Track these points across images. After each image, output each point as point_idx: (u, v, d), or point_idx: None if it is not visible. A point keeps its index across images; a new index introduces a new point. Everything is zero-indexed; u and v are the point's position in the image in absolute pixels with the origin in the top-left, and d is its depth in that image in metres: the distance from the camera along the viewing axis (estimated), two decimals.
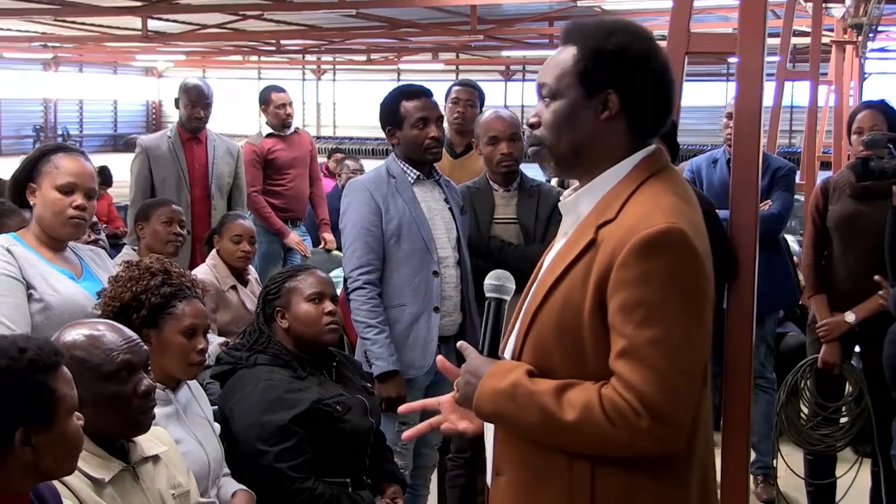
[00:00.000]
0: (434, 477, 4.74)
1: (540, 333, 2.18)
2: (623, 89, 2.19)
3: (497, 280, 2.35)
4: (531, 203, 4.48)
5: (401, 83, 4.77)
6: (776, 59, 9.37)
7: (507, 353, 2.30)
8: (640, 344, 2.03)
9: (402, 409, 2.62)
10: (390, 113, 4.23)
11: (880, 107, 4.90)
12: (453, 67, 33.68)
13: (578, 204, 2.24)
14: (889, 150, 4.23)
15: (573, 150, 2.23)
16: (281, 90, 7.62)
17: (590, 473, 2.13)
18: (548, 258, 2.33)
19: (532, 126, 2.28)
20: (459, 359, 4.36)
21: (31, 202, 3.37)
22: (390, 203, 4.14)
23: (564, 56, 2.23)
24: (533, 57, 28.50)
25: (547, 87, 2.24)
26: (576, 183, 2.36)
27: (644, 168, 2.21)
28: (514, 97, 36.19)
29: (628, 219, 2.10)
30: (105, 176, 11.73)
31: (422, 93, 4.24)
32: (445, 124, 5.47)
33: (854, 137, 4.83)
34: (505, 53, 28.73)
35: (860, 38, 11.53)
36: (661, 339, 2.02)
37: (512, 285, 2.35)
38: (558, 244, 2.30)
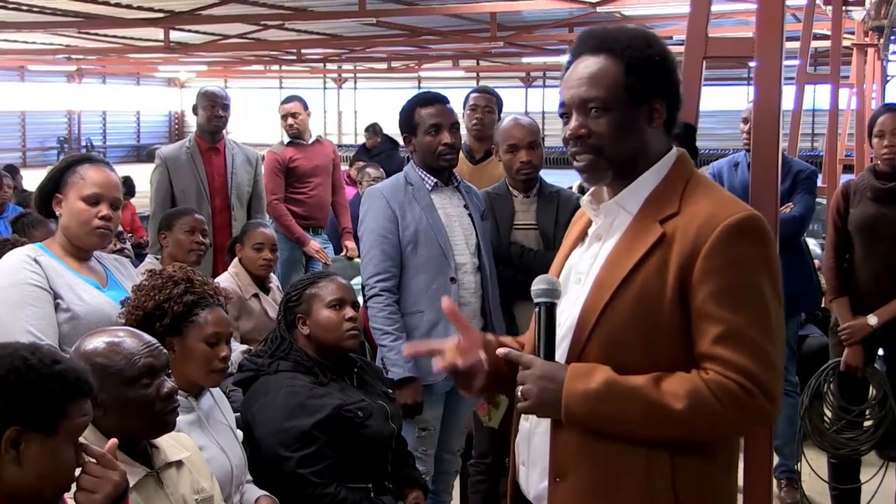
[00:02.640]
0: (456, 483, 4.74)
1: (612, 330, 2.20)
2: (668, 96, 2.27)
3: (547, 284, 2.30)
4: (551, 208, 4.49)
5: (421, 91, 4.79)
6: (797, 62, 9.35)
7: (559, 357, 2.28)
8: (740, 326, 2.10)
9: (406, 351, 2.74)
10: (406, 120, 4.26)
11: None
12: (474, 74, 33.69)
13: (624, 204, 2.29)
14: None
15: (630, 157, 2.28)
16: (289, 100, 7.65)
17: (670, 465, 2.18)
18: (578, 257, 2.36)
19: (581, 137, 2.27)
20: None
21: (58, 213, 3.41)
22: (407, 210, 4.15)
23: (608, 68, 2.25)
24: (553, 63, 28.47)
25: (598, 101, 2.25)
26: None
27: (682, 167, 2.30)
28: (535, 103, 36.17)
29: (702, 210, 2.18)
30: (128, 186, 11.80)
31: (436, 100, 4.26)
32: (464, 131, 5.49)
33: (875, 140, 4.81)
34: (525, 60, 28.73)
35: (881, 41, 11.49)
36: (759, 319, 2.12)
37: (560, 289, 2.31)
38: (600, 244, 2.31)
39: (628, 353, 2.18)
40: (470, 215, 4.29)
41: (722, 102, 28.47)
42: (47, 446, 2.06)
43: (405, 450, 3.79)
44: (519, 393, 2.23)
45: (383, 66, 32.03)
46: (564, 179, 5.86)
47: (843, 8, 10.22)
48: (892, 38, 11.56)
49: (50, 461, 2.07)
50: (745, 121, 5.37)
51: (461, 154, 5.34)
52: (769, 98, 4.63)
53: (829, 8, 10.11)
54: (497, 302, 4.32)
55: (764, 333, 2.11)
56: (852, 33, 12.36)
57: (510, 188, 4.54)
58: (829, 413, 4.96)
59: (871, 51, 12.00)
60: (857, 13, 10.67)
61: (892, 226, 4.63)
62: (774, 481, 5.43)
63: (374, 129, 14.91)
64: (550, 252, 4.39)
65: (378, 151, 14.37)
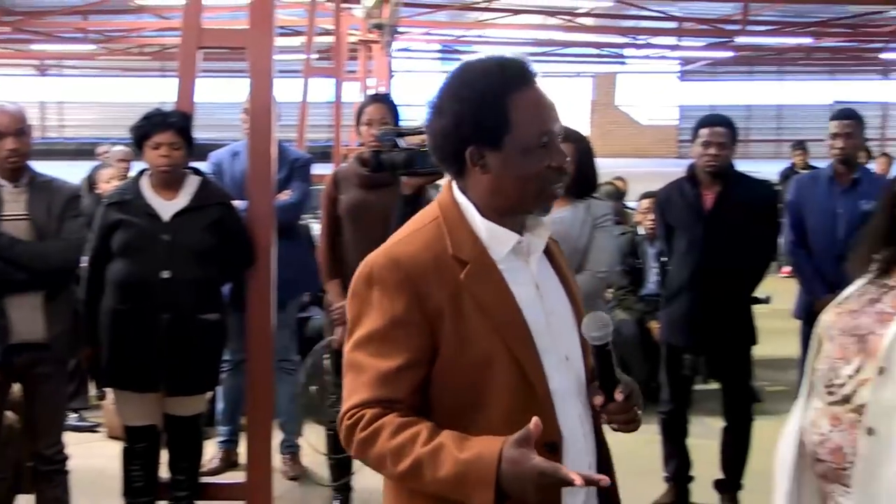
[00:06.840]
0: None
1: None
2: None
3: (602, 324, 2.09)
4: (42, 197, 4.37)
5: None
6: (304, 56, 9.72)
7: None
8: None
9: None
10: None
11: (385, 99, 5.23)
12: None
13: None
14: (395, 143, 4.56)
15: None
16: None
17: None
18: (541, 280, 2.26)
19: None
20: None
21: None
22: None
23: None
24: (67, 51, 27.42)
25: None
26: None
27: None
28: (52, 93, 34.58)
29: None
30: None
31: None
32: None
33: (363, 128, 5.11)
34: (35, 47, 27.31)
35: (385, 38, 12.18)
36: None
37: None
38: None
39: None
40: None
41: (226, 94, 28.43)
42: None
43: None
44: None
45: None
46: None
47: (342, 5, 10.74)
48: (394, 35, 12.28)
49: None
50: (247, 111, 5.52)
51: None
52: (262, 90, 4.81)
53: (332, 4, 10.61)
54: None
55: None
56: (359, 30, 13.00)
57: None
58: (328, 389, 5.22)
59: (376, 47, 12.63)
60: (359, 10, 11.25)
61: (378, 209, 4.94)
62: (279, 456, 5.66)
63: None
64: (42, 243, 4.28)
65: None
